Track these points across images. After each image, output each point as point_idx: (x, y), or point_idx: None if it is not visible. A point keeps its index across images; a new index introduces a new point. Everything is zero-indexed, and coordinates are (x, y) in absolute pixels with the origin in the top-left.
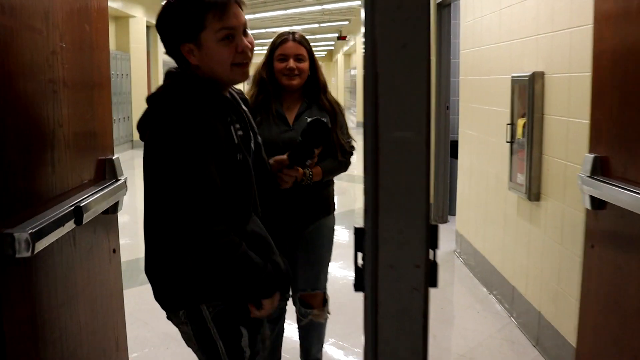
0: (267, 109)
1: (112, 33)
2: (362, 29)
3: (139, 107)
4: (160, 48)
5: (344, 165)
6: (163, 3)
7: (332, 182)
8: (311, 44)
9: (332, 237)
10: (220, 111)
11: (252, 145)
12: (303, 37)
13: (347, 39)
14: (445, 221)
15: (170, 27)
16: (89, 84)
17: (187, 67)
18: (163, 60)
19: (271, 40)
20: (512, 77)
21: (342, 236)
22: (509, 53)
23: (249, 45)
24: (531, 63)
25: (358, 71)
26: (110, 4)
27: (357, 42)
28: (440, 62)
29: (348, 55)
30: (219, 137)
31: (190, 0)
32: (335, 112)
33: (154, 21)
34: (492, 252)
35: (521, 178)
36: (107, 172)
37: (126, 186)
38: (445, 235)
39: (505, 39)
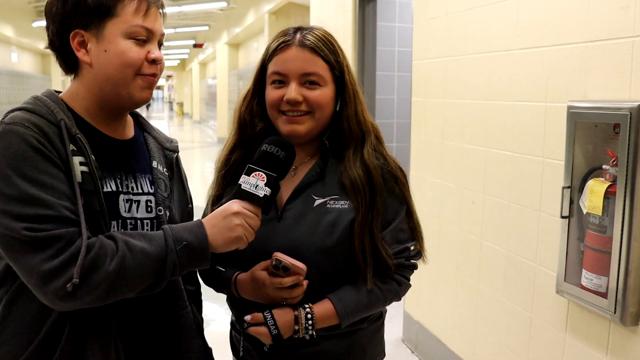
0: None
1: None
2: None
3: None
4: None
5: (390, 295)
6: None
7: (376, 316)
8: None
9: None
10: None
11: None
12: (323, 38)
13: (203, 46)
14: None
15: (70, 8)
16: None
17: (73, 68)
18: None
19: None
20: (571, 107)
21: None
22: (546, 66)
23: (161, 61)
24: (616, 86)
25: (219, 81)
26: None
27: (217, 50)
28: (363, 76)
29: (204, 64)
30: None
31: None
32: (366, 192)
33: None
34: None
35: (597, 281)
36: None
37: None
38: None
39: (534, 42)
